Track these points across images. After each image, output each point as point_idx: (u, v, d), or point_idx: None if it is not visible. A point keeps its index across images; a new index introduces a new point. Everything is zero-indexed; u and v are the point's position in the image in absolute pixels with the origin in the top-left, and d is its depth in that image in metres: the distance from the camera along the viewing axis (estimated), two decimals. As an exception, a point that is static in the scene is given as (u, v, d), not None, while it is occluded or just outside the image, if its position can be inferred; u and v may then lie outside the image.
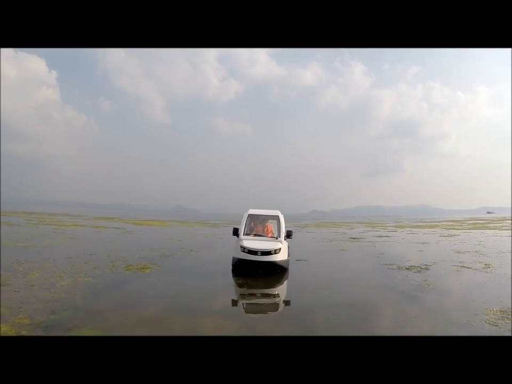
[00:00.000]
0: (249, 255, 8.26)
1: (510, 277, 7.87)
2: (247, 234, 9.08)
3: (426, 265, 9.58)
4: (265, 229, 9.48)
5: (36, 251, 10.50)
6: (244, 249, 8.37)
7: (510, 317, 5.05)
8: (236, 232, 9.03)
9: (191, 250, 12.55)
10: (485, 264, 9.57)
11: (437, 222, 50.49)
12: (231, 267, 8.64)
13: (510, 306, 5.57)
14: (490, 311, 5.34)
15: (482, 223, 41.76)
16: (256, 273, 8.08)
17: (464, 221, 51.41)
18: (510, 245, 14.78)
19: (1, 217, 27.37)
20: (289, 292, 7.25)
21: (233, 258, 8.78)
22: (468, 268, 9.20)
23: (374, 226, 34.79)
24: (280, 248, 8.45)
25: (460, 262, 10.16)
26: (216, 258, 10.86)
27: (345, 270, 9.59)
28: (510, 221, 45.37)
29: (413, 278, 7.89)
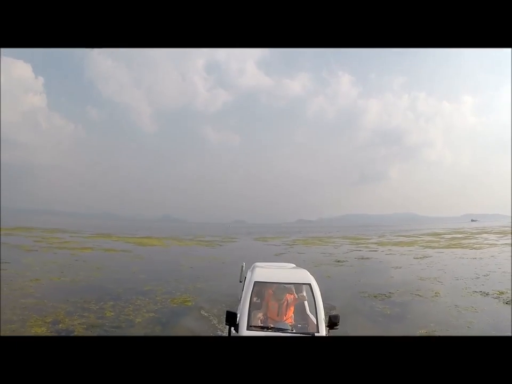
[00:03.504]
0: None
1: (450, 305, 10.80)
2: (251, 326, 4.92)
3: (390, 293, 12.47)
4: (284, 309, 5.51)
5: (88, 287, 12.65)
6: None
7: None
8: (231, 320, 4.84)
9: (207, 280, 15.25)
10: (435, 293, 12.43)
11: (418, 235, 53.99)
12: None
13: (434, 329, 8.45)
14: (420, 334, 8.19)
15: (460, 238, 45.00)
16: None
17: (444, 234, 54.97)
18: (468, 269, 17.86)
19: (6, 236, 29.95)
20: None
21: None
22: (420, 296, 12.10)
23: (358, 244, 37.93)
24: None
25: (417, 289, 13.03)
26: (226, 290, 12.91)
27: (330, 299, 12.06)
28: (486, 234, 49.09)
29: (376, 306, 10.78)
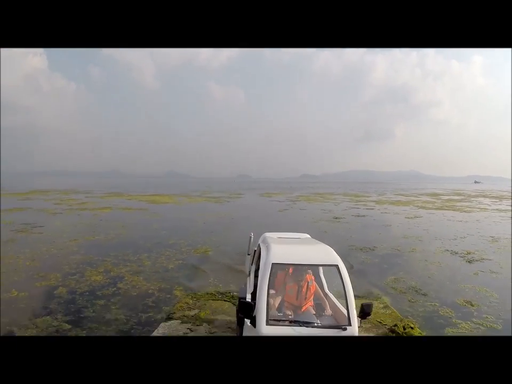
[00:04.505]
0: None
1: (420, 259, 13.11)
2: (272, 320, 4.11)
3: (374, 247, 14.89)
4: (304, 293, 4.94)
5: (121, 243, 15.01)
6: None
7: (395, 284, 10.26)
8: (246, 311, 4.12)
9: (221, 234, 17.82)
10: (412, 249, 14.74)
11: (417, 195, 56.54)
12: None
13: (402, 277, 10.77)
14: (390, 279, 10.55)
15: (456, 200, 47.29)
16: None
17: (443, 195, 57.27)
18: (450, 231, 20.06)
19: (24, 200, 33.29)
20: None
21: None
22: (399, 250, 14.47)
23: (357, 201, 40.42)
24: None
25: (398, 246, 15.40)
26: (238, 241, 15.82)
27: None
28: (482, 198, 51.15)
29: (360, 256, 13.20)
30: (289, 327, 4.04)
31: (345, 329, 3.96)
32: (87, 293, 8.94)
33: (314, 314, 4.67)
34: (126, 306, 8.15)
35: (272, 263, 4.49)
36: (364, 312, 4.11)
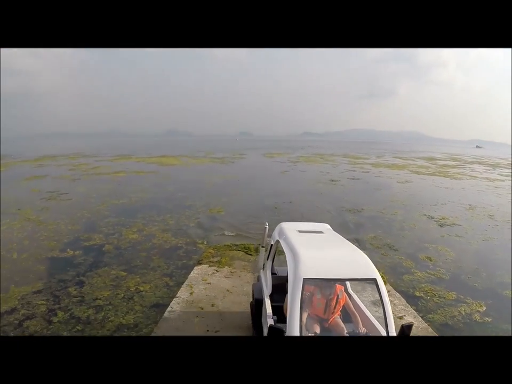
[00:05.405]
0: None
1: (399, 221, 15.48)
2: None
3: (362, 209, 17.28)
4: (333, 306, 4.52)
5: (144, 206, 18.24)
6: None
7: (373, 240, 12.67)
8: (275, 336, 3.46)
9: (229, 195, 20.25)
10: (394, 212, 17.03)
11: (414, 158, 58.43)
12: None
13: (380, 235, 13.17)
14: (369, 236, 12.96)
15: (451, 165, 48.89)
16: None
17: (439, 160, 59.07)
18: (433, 197, 22.20)
19: (38, 168, 34.07)
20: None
21: None
22: (382, 213, 16.81)
23: (355, 164, 42.63)
24: None
25: (383, 208, 17.72)
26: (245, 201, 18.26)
27: (316, 209, 17.11)
28: (477, 165, 52.86)
29: (347, 217, 15.65)
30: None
31: None
32: (130, 248, 11.13)
33: (343, 327, 4.37)
34: (163, 256, 10.48)
35: (304, 278, 3.94)
36: (404, 334, 3.69)
